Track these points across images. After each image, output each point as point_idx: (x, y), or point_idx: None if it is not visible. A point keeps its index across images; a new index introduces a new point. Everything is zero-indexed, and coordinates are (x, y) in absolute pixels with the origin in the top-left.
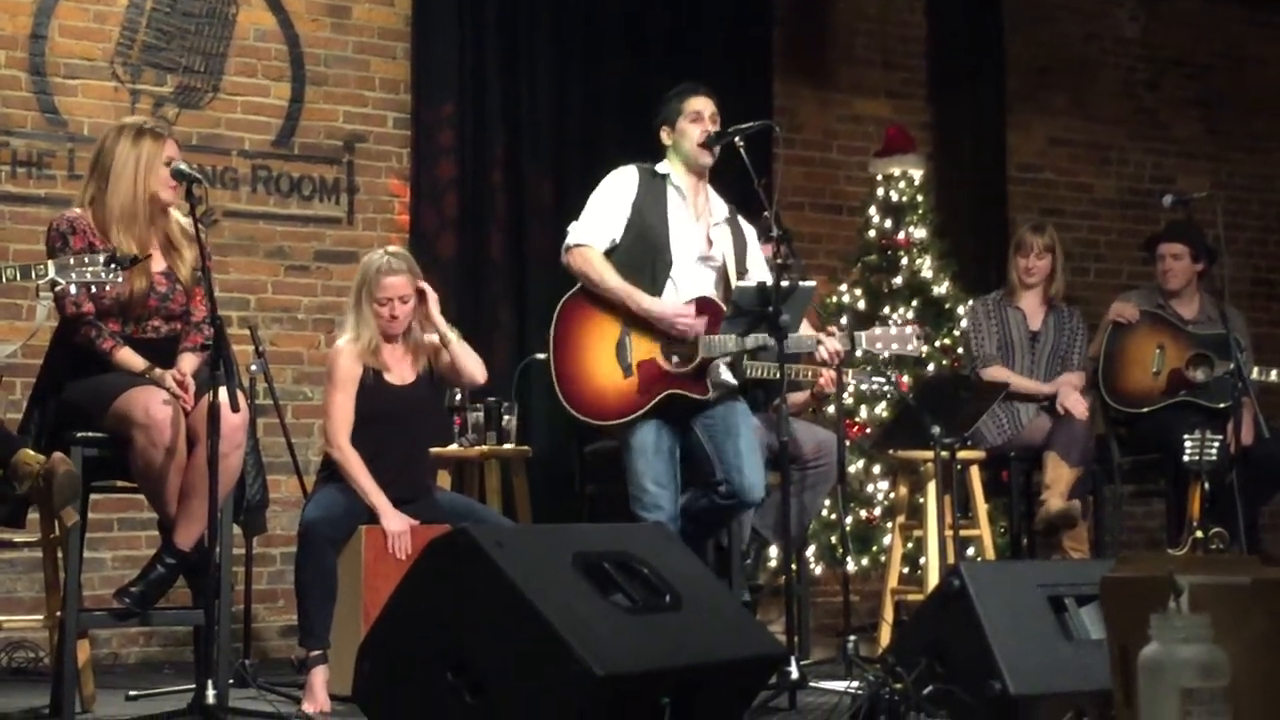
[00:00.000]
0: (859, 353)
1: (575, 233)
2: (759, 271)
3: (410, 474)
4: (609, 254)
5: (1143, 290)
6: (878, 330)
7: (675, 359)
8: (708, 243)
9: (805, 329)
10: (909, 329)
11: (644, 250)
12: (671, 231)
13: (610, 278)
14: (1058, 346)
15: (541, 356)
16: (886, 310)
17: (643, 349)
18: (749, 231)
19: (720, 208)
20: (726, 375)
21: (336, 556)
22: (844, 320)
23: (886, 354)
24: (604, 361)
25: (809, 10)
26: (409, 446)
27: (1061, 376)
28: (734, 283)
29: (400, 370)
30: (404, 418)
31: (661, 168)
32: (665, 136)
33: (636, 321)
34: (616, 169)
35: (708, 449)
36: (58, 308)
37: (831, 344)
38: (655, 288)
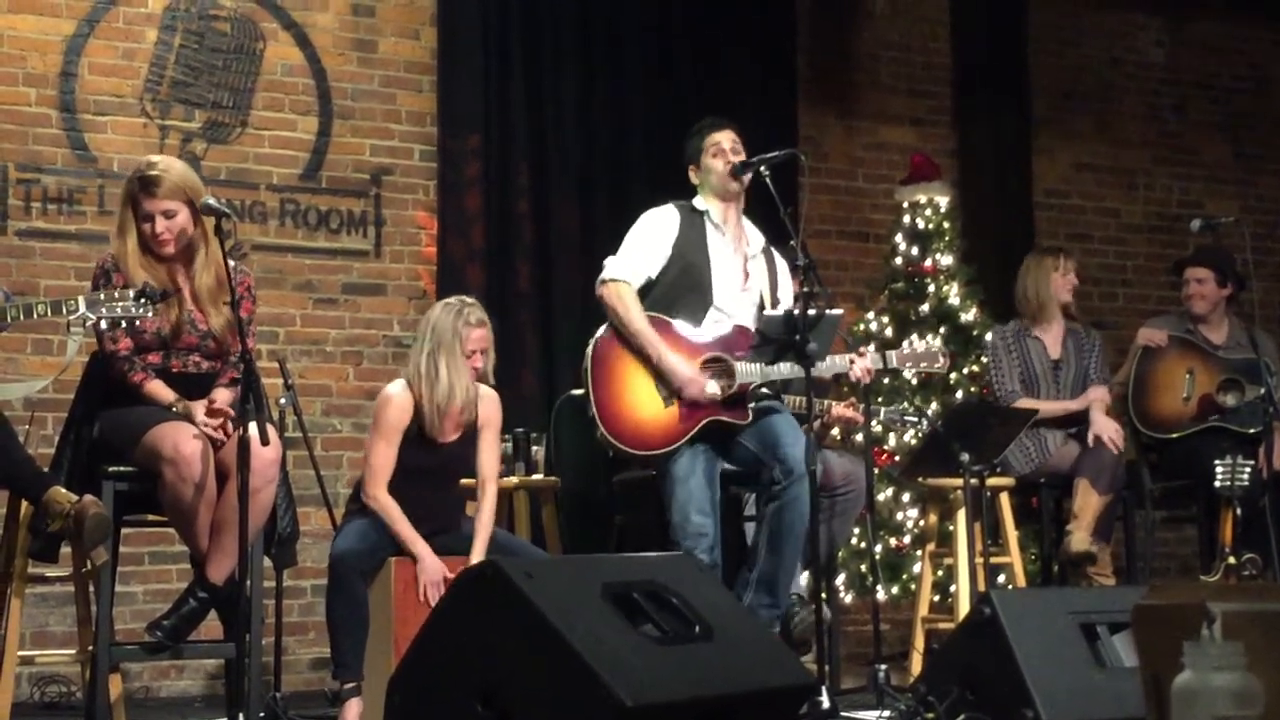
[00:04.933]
0: (889, 365)
1: (611, 267)
2: (789, 304)
3: (442, 512)
4: (650, 289)
5: (1171, 315)
6: (905, 349)
7: (715, 389)
8: (745, 275)
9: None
10: (935, 347)
11: (687, 285)
12: (713, 266)
13: (637, 319)
14: (1080, 370)
15: (577, 392)
16: (914, 338)
17: None
18: (781, 264)
19: (756, 240)
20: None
21: (367, 588)
22: (871, 345)
23: (914, 373)
24: (643, 392)
25: (833, 38)
26: (444, 492)
27: (1088, 392)
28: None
29: (449, 429)
30: (444, 471)
31: (698, 204)
32: (693, 175)
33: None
34: (655, 207)
35: (751, 447)
36: (98, 343)
37: (863, 363)
38: (697, 320)
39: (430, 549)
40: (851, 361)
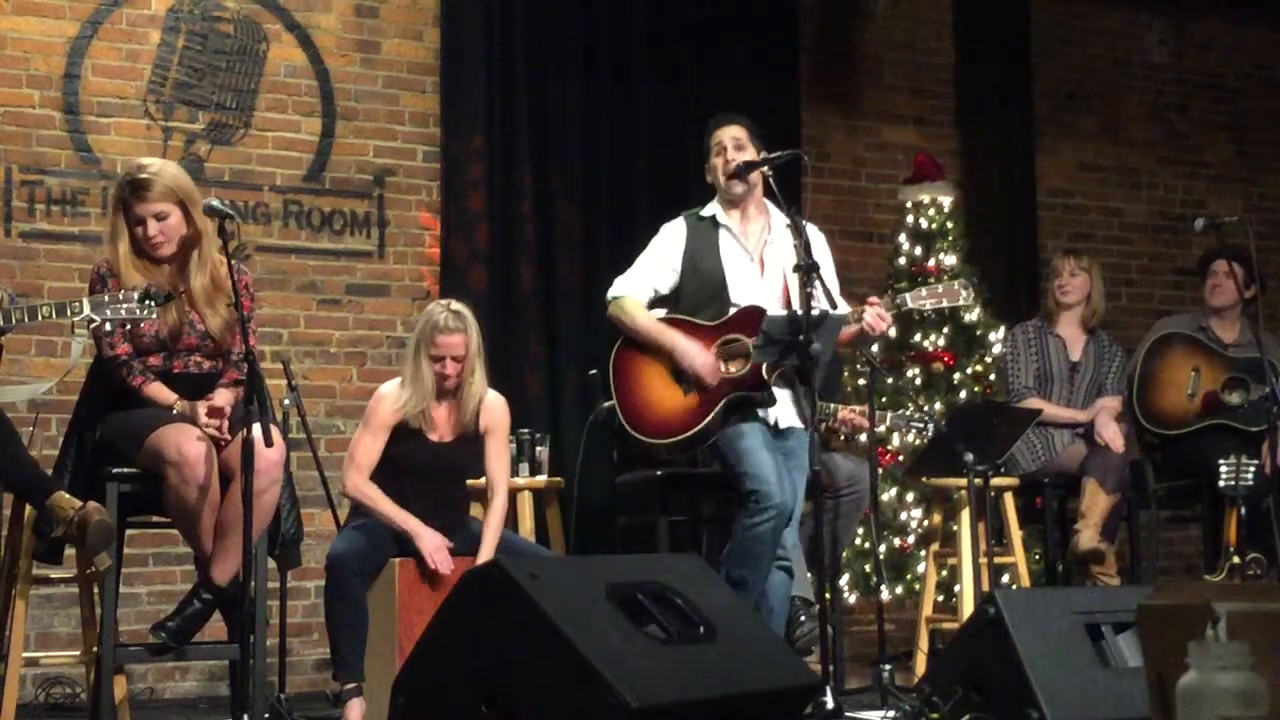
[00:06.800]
0: (910, 306)
1: (615, 286)
2: (827, 264)
3: (445, 511)
4: (672, 302)
5: (1183, 314)
6: (923, 290)
7: (731, 368)
8: (761, 265)
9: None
10: (956, 283)
11: (707, 292)
12: (727, 269)
13: (643, 321)
14: (1096, 377)
15: (608, 404)
16: (918, 337)
17: None
18: (812, 229)
19: (778, 221)
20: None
21: (365, 589)
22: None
23: (934, 310)
24: (664, 387)
25: (836, 38)
26: (446, 492)
27: (1098, 401)
28: (793, 292)
29: (443, 428)
30: (443, 472)
31: (707, 210)
32: (707, 173)
33: None
34: (668, 222)
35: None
36: (97, 348)
37: (873, 312)
38: (716, 320)
39: (421, 521)
40: (861, 313)
